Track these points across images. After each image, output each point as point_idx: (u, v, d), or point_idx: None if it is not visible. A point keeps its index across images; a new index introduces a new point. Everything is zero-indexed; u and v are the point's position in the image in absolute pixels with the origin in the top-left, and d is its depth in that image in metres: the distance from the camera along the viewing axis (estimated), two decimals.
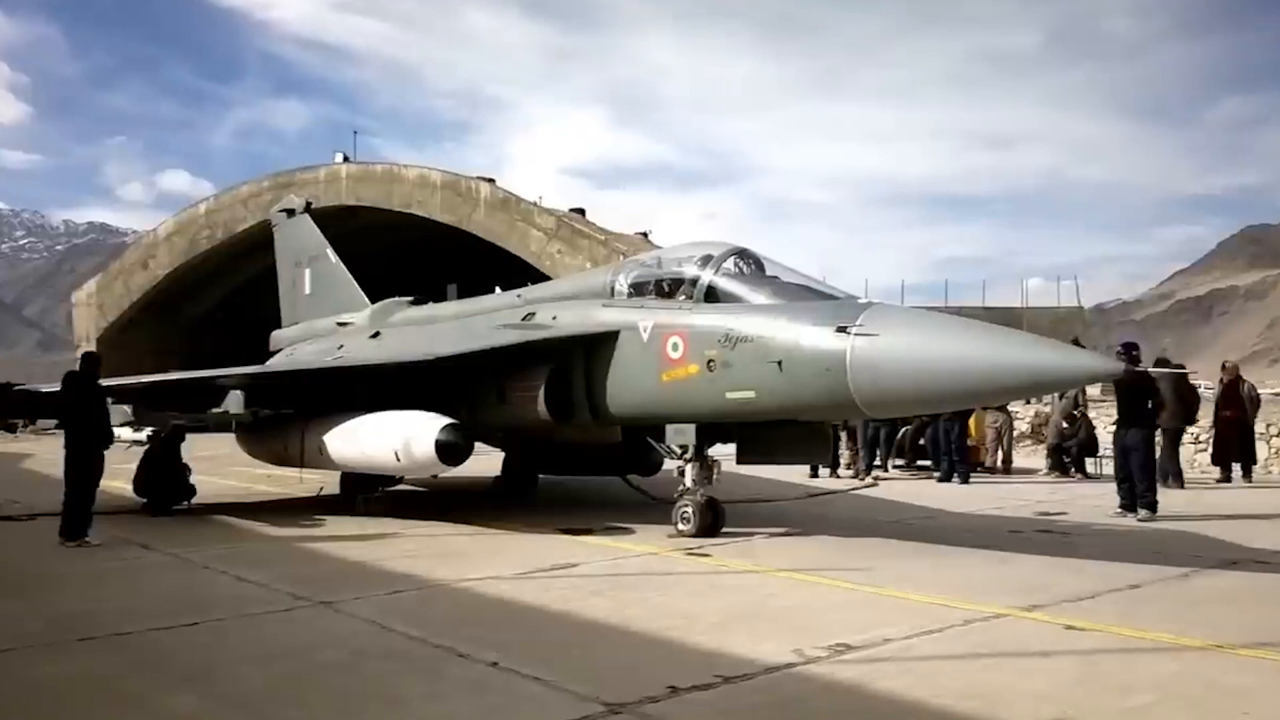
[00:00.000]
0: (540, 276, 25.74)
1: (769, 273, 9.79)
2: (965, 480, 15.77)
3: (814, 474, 16.45)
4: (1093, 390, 24.52)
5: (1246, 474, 15.69)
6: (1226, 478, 15.59)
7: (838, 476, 16.64)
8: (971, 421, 18.30)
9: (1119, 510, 11.11)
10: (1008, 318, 31.64)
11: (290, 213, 19.13)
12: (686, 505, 9.50)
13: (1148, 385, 11.45)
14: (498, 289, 13.23)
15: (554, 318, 10.89)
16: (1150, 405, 11.32)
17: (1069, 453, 16.82)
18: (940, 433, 16.36)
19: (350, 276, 17.18)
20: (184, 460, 11.91)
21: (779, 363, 8.50)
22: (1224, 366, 16.88)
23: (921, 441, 17.77)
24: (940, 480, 16.06)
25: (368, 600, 6.61)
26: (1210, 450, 16.38)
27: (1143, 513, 10.81)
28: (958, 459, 16.13)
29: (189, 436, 12.45)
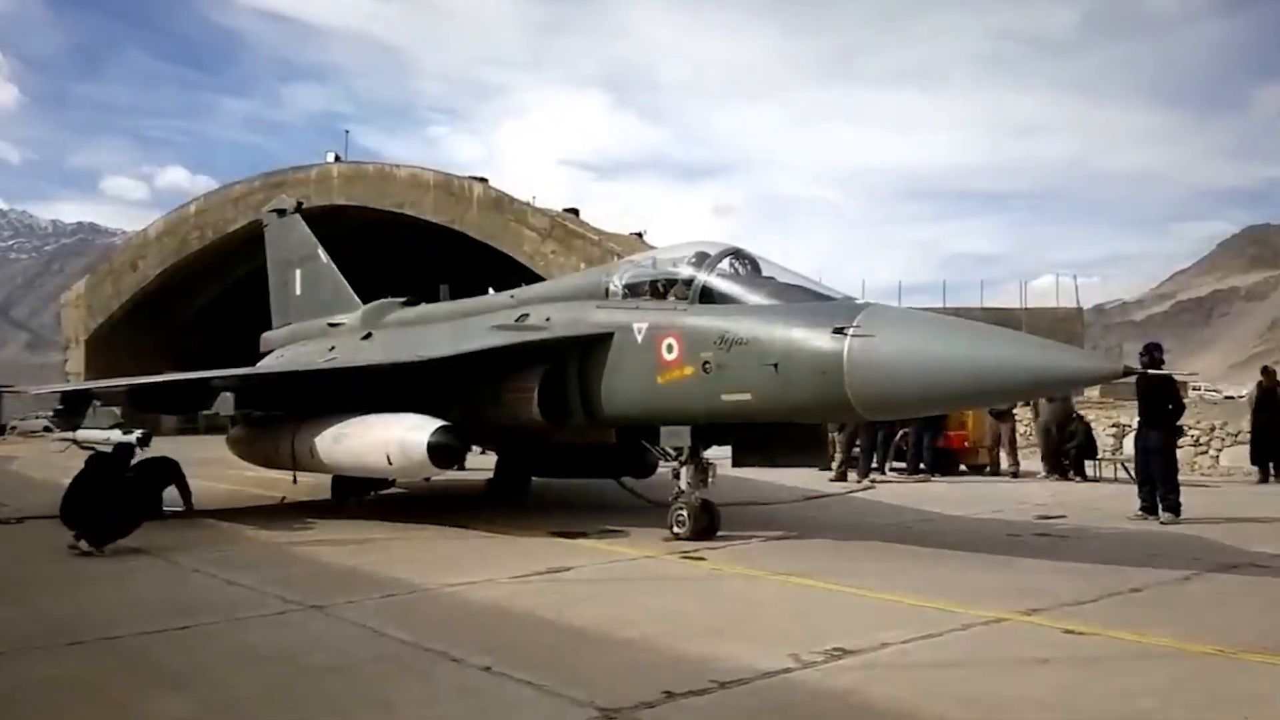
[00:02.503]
0: (534, 277, 25.75)
1: (765, 273, 9.79)
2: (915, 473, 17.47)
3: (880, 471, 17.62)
4: (1091, 392, 24.57)
5: (1278, 475, 16.33)
6: (1264, 478, 16.28)
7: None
8: (969, 424, 18.40)
9: (1139, 513, 11.10)
10: (1006, 319, 31.74)
11: (281, 213, 19.11)
12: (681, 508, 9.50)
13: (1169, 388, 11.51)
14: (491, 290, 13.23)
15: (548, 319, 10.88)
16: (1171, 408, 11.34)
17: (1067, 455, 16.88)
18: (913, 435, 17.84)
19: (341, 277, 17.16)
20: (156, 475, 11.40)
21: (775, 365, 8.49)
22: (1264, 371, 17.50)
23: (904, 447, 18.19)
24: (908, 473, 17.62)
25: (359, 604, 6.60)
26: (1249, 451, 17.07)
27: (1166, 515, 10.77)
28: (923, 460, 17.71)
29: (180, 439, 12.37)
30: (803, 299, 9.10)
